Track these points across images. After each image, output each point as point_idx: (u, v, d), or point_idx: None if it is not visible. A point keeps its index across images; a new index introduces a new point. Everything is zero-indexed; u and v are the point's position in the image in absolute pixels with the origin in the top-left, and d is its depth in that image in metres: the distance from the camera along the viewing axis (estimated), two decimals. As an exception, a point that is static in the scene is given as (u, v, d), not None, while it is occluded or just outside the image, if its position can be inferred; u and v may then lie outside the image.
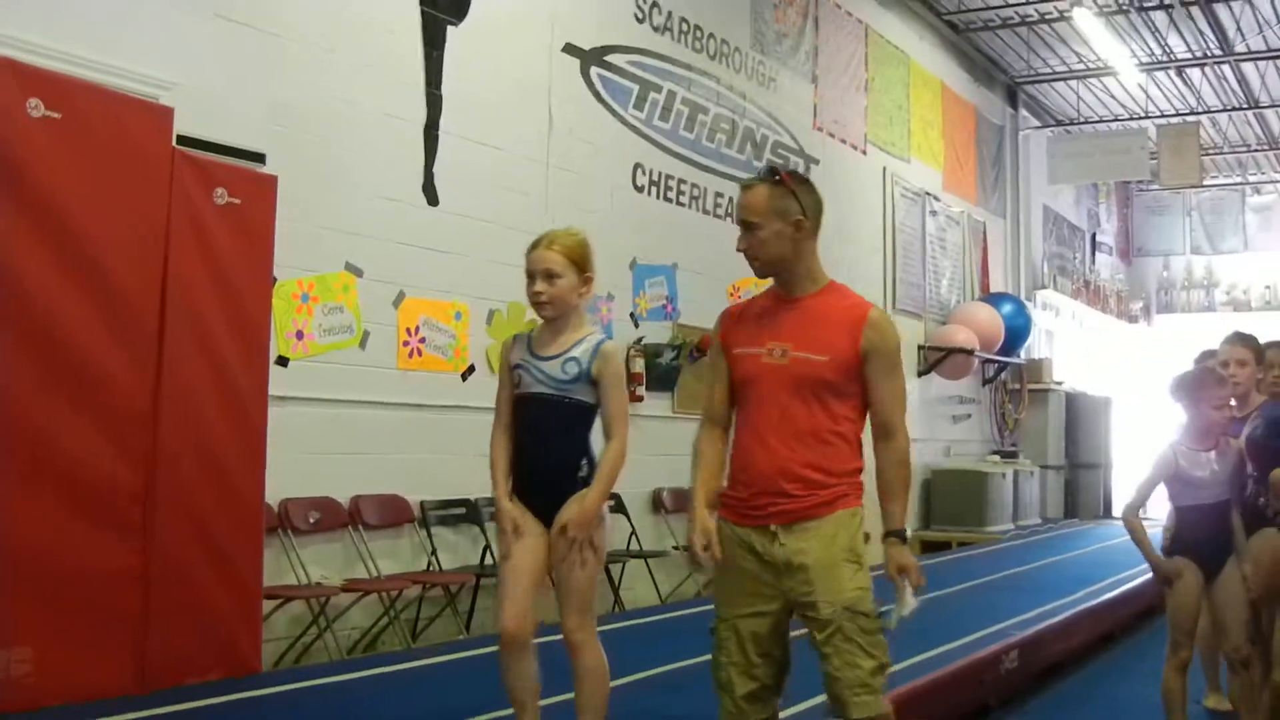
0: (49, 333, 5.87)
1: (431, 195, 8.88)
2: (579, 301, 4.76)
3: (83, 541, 5.96)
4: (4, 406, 5.70)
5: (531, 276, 4.71)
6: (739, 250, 4.21)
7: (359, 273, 8.18)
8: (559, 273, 4.67)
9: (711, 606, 4.36)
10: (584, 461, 4.74)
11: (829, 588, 4.03)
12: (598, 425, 4.79)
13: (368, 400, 8.10)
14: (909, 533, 4.26)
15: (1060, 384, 20.45)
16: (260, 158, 7.29)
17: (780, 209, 4.11)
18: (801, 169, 13.58)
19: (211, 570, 6.49)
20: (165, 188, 6.39)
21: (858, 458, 4.20)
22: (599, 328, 4.83)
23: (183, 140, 6.65)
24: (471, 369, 9.17)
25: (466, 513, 8.89)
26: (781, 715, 4.52)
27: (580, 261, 4.74)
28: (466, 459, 8.68)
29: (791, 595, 4.10)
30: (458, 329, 9.04)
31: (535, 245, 4.75)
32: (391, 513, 8.33)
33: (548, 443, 4.72)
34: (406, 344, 8.58)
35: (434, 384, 8.65)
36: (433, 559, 8.45)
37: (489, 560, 8.87)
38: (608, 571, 9.80)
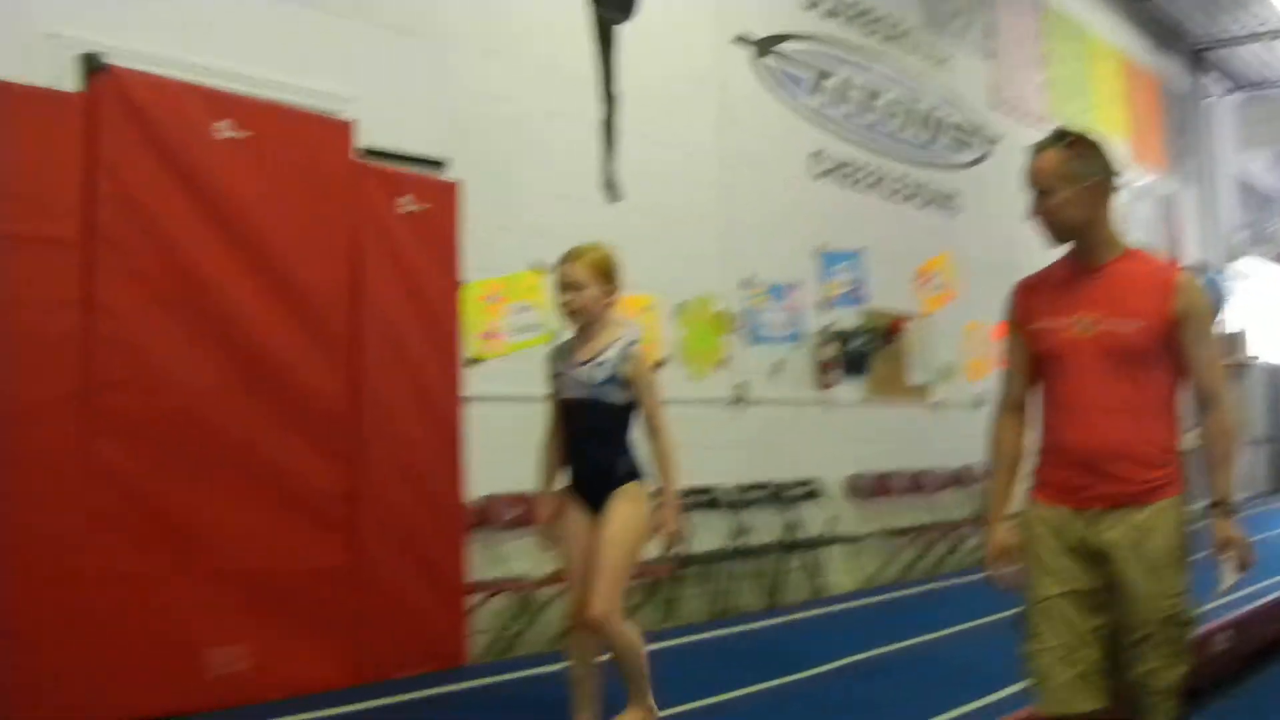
0: (252, 344, 6.01)
1: (612, 191, 8.85)
2: (605, 310, 5.01)
3: (294, 543, 6.10)
4: (214, 416, 5.85)
5: (560, 288, 5.01)
6: (1030, 218, 3.94)
7: (546, 271, 8.17)
8: (584, 284, 4.94)
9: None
10: (622, 458, 5.00)
11: (1150, 592, 3.75)
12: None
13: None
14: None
15: (1257, 357, 19.66)
16: (441, 165, 7.33)
17: (1073, 173, 3.84)
18: (981, 148, 13.31)
19: (416, 566, 6.56)
20: (351, 199, 6.49)
21: (1176, 432, 3.93)
22: (633, 327, 5.11)
23: (367, 152, 6.73)
24: (662, 362, 9.11)
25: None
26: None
27: (604, 274, 5.00)
28: None
29: (1106, 585, 3.82)
30: (647, 323, 8.98)
31: (563, 260, 5.03)
32: (590, 506, 8.27)
33: (587, 442, 5.00)
34: (596, 340, 8.53)
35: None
36: (636, 549, 8.41)
37: (689, 550, 8.79)
38: (805, 558, 9.72)
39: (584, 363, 4.95)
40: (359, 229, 6.51)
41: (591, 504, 4.99)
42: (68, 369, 5.40)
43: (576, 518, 5.03)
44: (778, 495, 9.84)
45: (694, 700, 5.72)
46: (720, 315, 9.66)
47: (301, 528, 6.13)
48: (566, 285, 4.97)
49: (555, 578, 7.65)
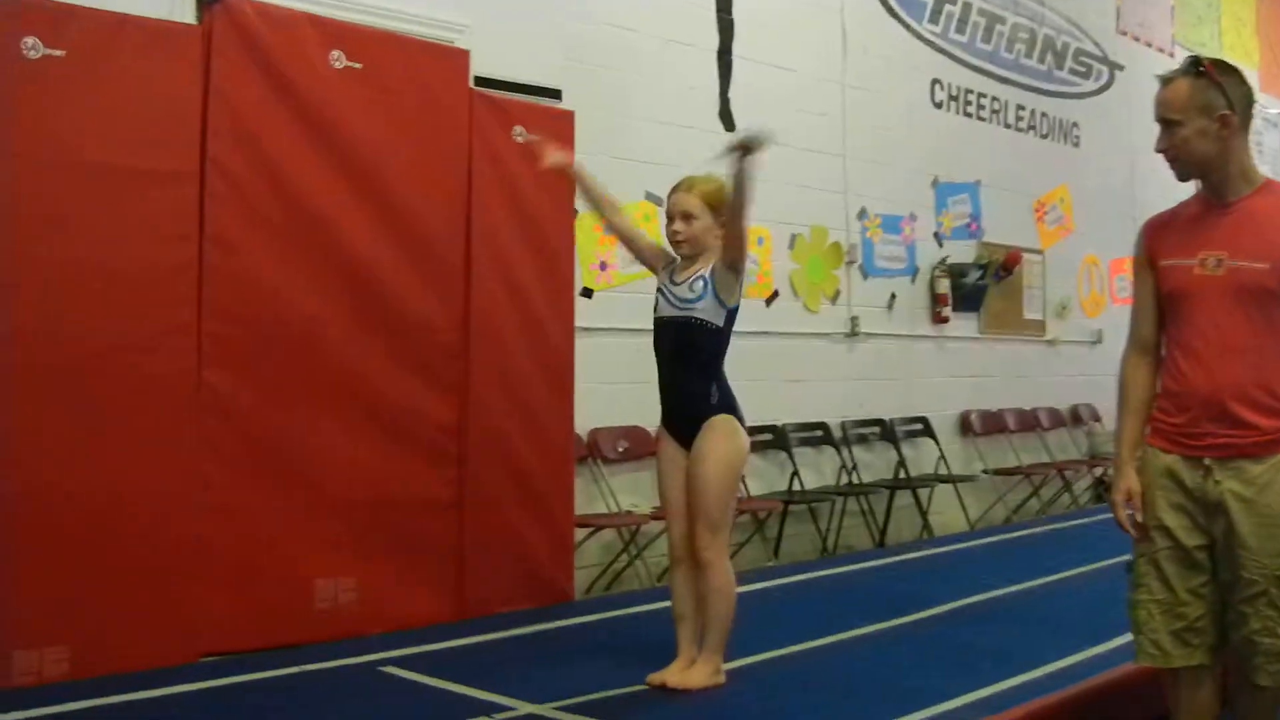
0: (362, 276, 5.94)
1: (728, 121, 8.66)
2: (713, 243, 4.90)
3: (401, 475, 6.05)
4: (324, 348, 5.81)
5: (670, 217, 4.94)
6: (1158, 151, 3.75)
7: (659, 202, 7.99)
8: (695, 214, 4.87)
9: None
10: (713, 388, 4.88)
11: (1263, 549, 3.57)
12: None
13: (672, 329, 7.94)
14: None
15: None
16: (556, 94, 7.20)
17: (1204, 104, 3.65)
18: (1105, 76, 12.91)
19: (523, 500, 6.50)
20: (465, 129, 6.37)
21: None
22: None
23: (480, 81, 6.62)
24: (775, 295, 8.98)
25: (774, 439, 8.74)
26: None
27: (716, 205, 4.89)
28: (772, 386, 8.57)
29: (1216, 538, 3.67)
30: (760, 255, 8.83)
31: (675, 189, 4.97)
32: (698, 440, 8.19)
33: (677, 369, 4.91)
34: (708, 271, 8.42)
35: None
36: (742, 485, 8.28)
37: (797, 486, 8.72)
38: (915, 496, 9.58)
39: (682, 281, 4.91)
40: (472, 160, 6.40)
41: (684, 436, 4.91)
42: (185, 300, 5.37)
43: (670, 452, 4.99)
44: (889, 432, 9.69)
45: (800, 642, 5.62)
46: (834, 247, 9.48)
47: (411, 461, 6.09)
48: (677, 215, 4.91)
49: (661, 513, 7.65)
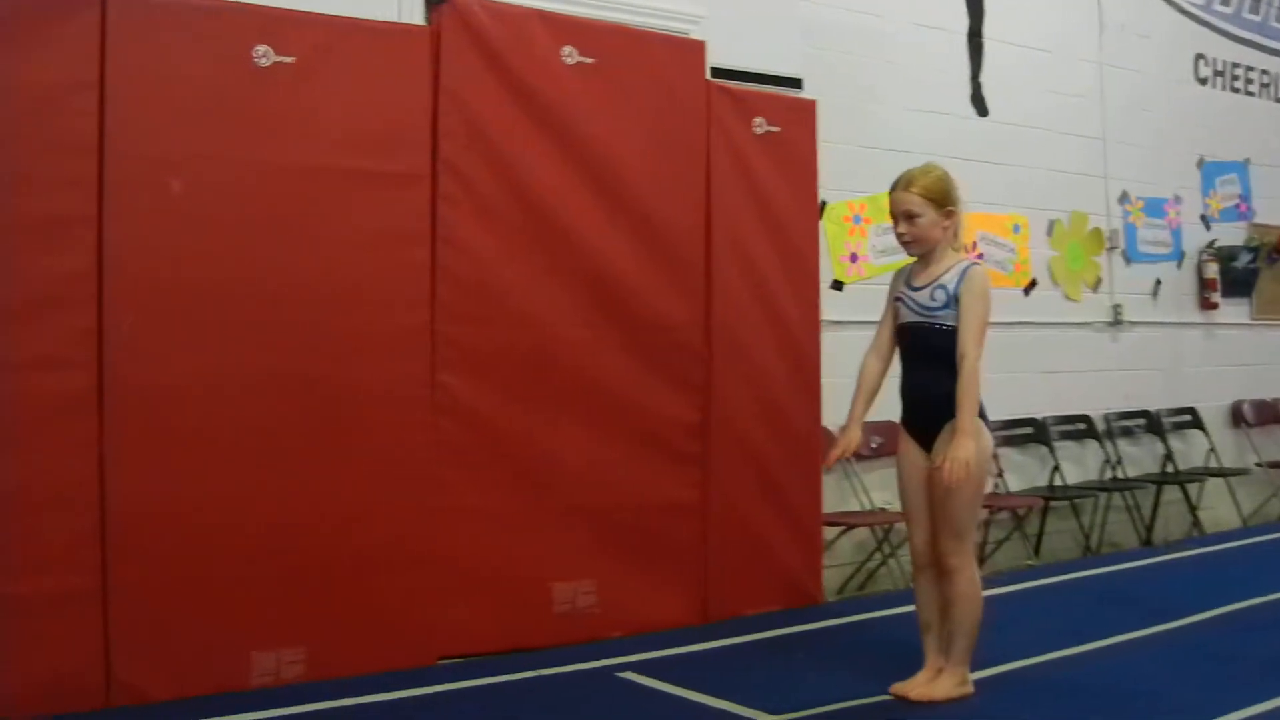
0: (599, 275, 5.67)
1: (980, 105, 8.17)
2: (944, 235, 4.58)
3: (642, 477, 5.78)
4: (560, 348, 5.55)
5: (894, 218, 4.63)
6: None
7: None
8: (918, 212, 4.54)
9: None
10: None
11: None
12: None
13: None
14: None
15: None
16: (797, 83, 6.80)
17: None
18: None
19: (769, 501, 6.15)
20: (703, 122, 6.04)
21: None
22: (970, 257, 4.83)
23: (716, 72, 6.28)
24: (1034, 283, 8.44)
25: (1033, 432, 8.23)
26: None
27: (939, 198, 4.56)
28: (1031, 377, 8.13)
29: None
30: (1017, 242, 8.33)
31: (894, 187, 4.63)
32: (953, 435, 7.75)
33: (922, 370, 4.59)
34: (964, 260, 7.97)
35: (994, 300, 7.89)
36: (1000, 481, 7.79)
37: (1058, 481, 8.18)
38: (1184, 491, 8.89)
39: (922, 287, 4.59)
40: (712, 153, 6.05)
41: (926, 437, 4.57)
42: (419, 303, 5.18)
43: (910, 452, 4.65)
44: (1155, 424, 9.01)
45: (1059, 648, 5.22)
46: (1095, 233, 8.86)
47: (652, 462, 5.79)
48: (899, 215, 4.59)
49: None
